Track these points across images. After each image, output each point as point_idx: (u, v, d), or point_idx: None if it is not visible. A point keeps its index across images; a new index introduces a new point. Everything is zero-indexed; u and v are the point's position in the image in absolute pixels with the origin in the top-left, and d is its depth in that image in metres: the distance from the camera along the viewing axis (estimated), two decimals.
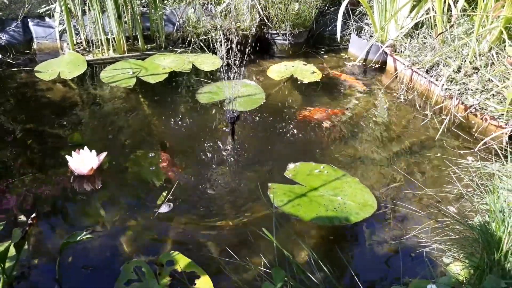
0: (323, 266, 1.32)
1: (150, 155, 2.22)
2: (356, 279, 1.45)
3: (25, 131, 2.36)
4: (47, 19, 3.34)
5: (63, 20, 3.19)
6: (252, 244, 1.72)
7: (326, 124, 2.20)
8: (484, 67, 2.56)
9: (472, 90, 2.55)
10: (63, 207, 1.90)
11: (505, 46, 2.52)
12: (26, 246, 1.59)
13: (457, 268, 1.41)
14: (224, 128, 2.47)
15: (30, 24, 3.31)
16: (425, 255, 1.56)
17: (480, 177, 1.76)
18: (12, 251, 1.43)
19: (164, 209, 1.85)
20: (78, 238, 1.51)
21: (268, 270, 1.38)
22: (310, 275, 1.32)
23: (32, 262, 1.60)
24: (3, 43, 3.20)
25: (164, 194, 1.95)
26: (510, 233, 1.27)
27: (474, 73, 2.61)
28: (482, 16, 2.58)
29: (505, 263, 1.25)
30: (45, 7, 3.32)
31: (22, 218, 1.78)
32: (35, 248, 1.67)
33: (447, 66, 2.72)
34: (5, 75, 2.92)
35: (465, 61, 2.65)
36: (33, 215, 1.54)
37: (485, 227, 1.37)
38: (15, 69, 2.99)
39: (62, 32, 3.30)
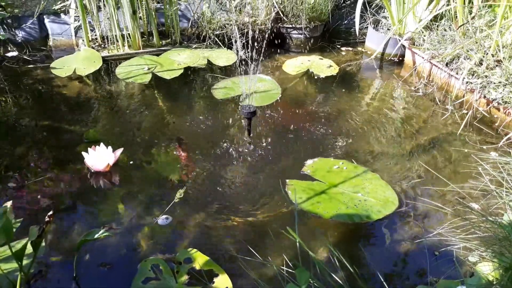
0: (347, 264, 1.28)
1: (167, 151, 2.20)
2: (380, 277, 1.41)
3: (41, 127, 2.36)
4: (62, 15, 3.34)
5: (78, 16, 3.19)
6: (272, 242, 1.68)
7: None
8: (508, 59, 2.48)
9: (494, 83, 2.47)
10: (79, 204, 1.89)
11: None
12: (43, 244, 1.58)
13: (486, 268, 1.35)
14: (240, 123, 2.43)
15: (46, 21, 3.31)
16: (454, 254, 1.50)
17: (509, 173, 1.70)
18: (29, 249, 1.42)
19: (162, 221, 1.79)
20: (96, 236, 1.48)
21: (289, 269, 1.35)
22: (332, 274, 1.28)
23: (49, 259, 1.59)
24: (19, 40, 3.21)
25: (181, 191, 1.92)
26: None
27: (497, 65, 2.53)
28: (506, 6, 2.50)
29: None
30: (60, 3, 3.32)
31: (39, 215, 1.77)
32: (52, 246, 1.66)
33: (468, 59, 2.65)
34: (22, 72, 2.92)
35: (487, 53, 2.57)
36: (50, 212, 1.52)
37: None
38: (31, 65, 3.00)
39: (77, 29, 3.30)
